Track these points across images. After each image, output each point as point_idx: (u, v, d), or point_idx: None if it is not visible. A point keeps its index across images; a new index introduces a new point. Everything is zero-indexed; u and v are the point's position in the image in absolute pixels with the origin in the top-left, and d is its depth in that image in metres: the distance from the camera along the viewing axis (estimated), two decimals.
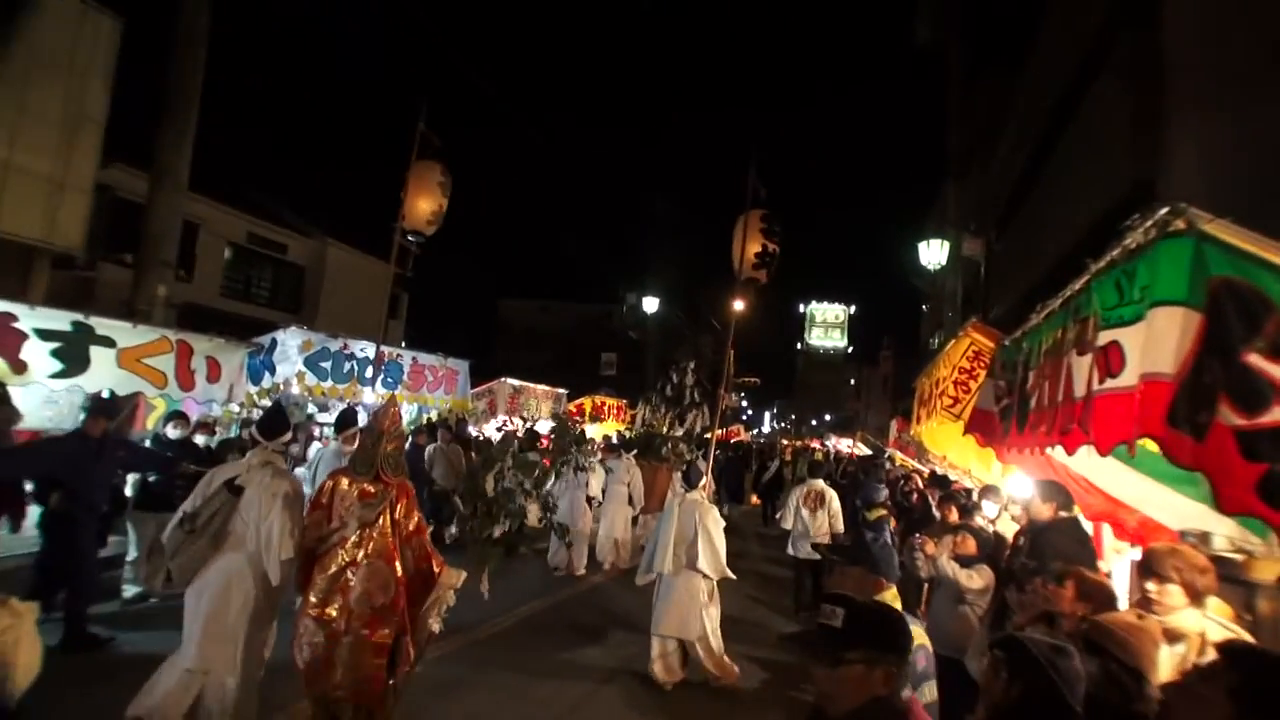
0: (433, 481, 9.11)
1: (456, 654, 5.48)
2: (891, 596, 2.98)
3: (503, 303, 42.40)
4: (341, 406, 9.57)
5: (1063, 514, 3.78)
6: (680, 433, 14.10)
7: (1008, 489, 6.13)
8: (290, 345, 8.00)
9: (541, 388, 14.40)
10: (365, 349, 9.09)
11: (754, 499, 18.00)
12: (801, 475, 9.17)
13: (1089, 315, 2.50)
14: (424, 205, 6.64)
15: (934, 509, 7.76)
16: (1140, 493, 3.18)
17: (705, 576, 5.33)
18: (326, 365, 8.53)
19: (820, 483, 8.37)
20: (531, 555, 9.10)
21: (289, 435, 4.29)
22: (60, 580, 5.06)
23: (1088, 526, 3.79)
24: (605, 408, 16.98)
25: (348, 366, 8.83)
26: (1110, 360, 2.27)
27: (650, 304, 26.08)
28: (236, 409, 7.37)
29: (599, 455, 10.29)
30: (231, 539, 3.62)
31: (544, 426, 13.58)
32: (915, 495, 9.20)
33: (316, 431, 9.65)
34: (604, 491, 9.65)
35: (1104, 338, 2.34)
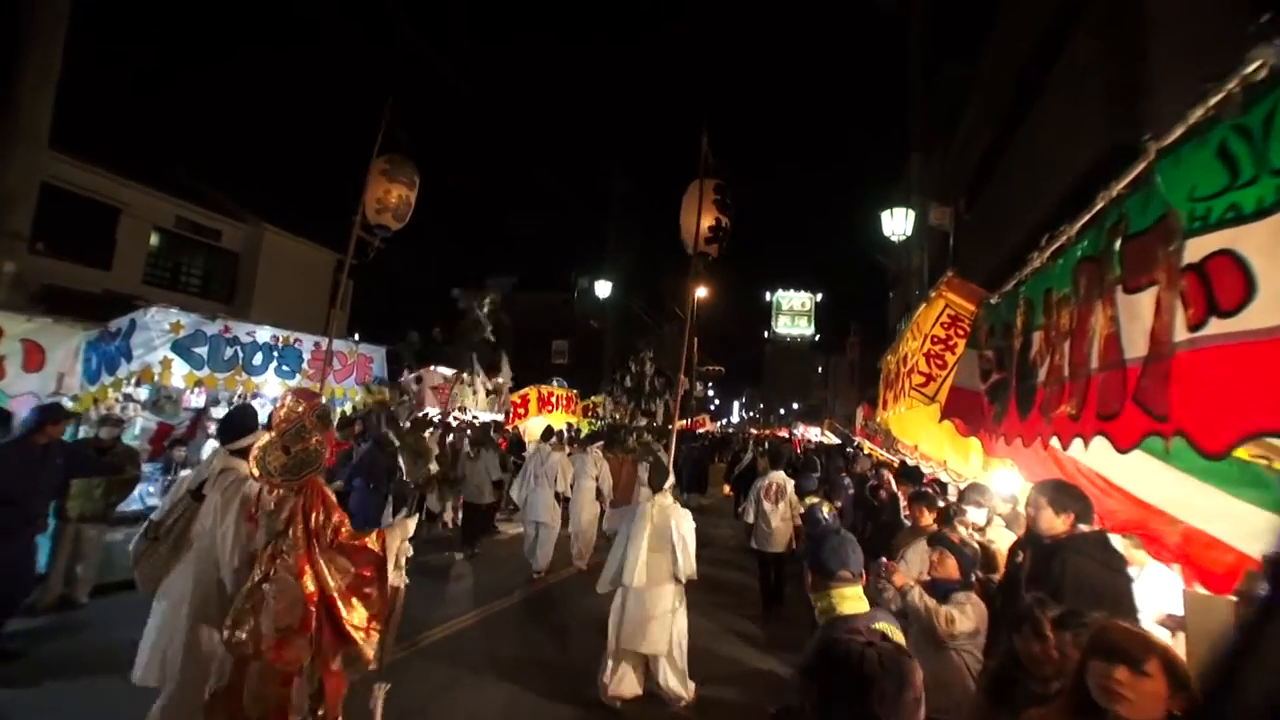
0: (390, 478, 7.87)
1: (409, 656, 5.32)
2: (846, 596, 2.24)
3: (456, 292, 41.10)
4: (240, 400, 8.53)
5: (1082, 527, 2.86)
6: (644, 423, 13.35)
7: (995, 487, 5.30)
8: (153, 328, 6.79)
9: (478, 377, 13.25)
10: (253, 332, 7.95)
11: (726, 489, 17.20)
12: (765, 470, 8.75)
13: (1160, 217, 1.52)
14: (386, 197, 6.31)
15: (903, 512, 6.89)
16: (1181, 495, 2.28)
17: (676, 583, 5.00)
18: (201, 350, 7.37)
19: (781, 474, 8.12)
20: (506, 550, 9.41)
21: (254, 437, 3.70)
22: None
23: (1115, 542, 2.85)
24: (554, 398, 15.88)
25: (230, 352, 7.69)
26: (1214, 285, 1.30)
27: (603, 288, 24.99)
28: (69, 402, 6.14)
29: (567, 450, 9.76)
30: (190, 547, 3.51)
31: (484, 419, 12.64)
32: (883, 493, 8.32)
33: (211, 428, 8.47)
34: (572, 486, 9.29)
35: (1197, 248, 1.36)
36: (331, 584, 3.28)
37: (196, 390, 7.88)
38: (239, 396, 8.53)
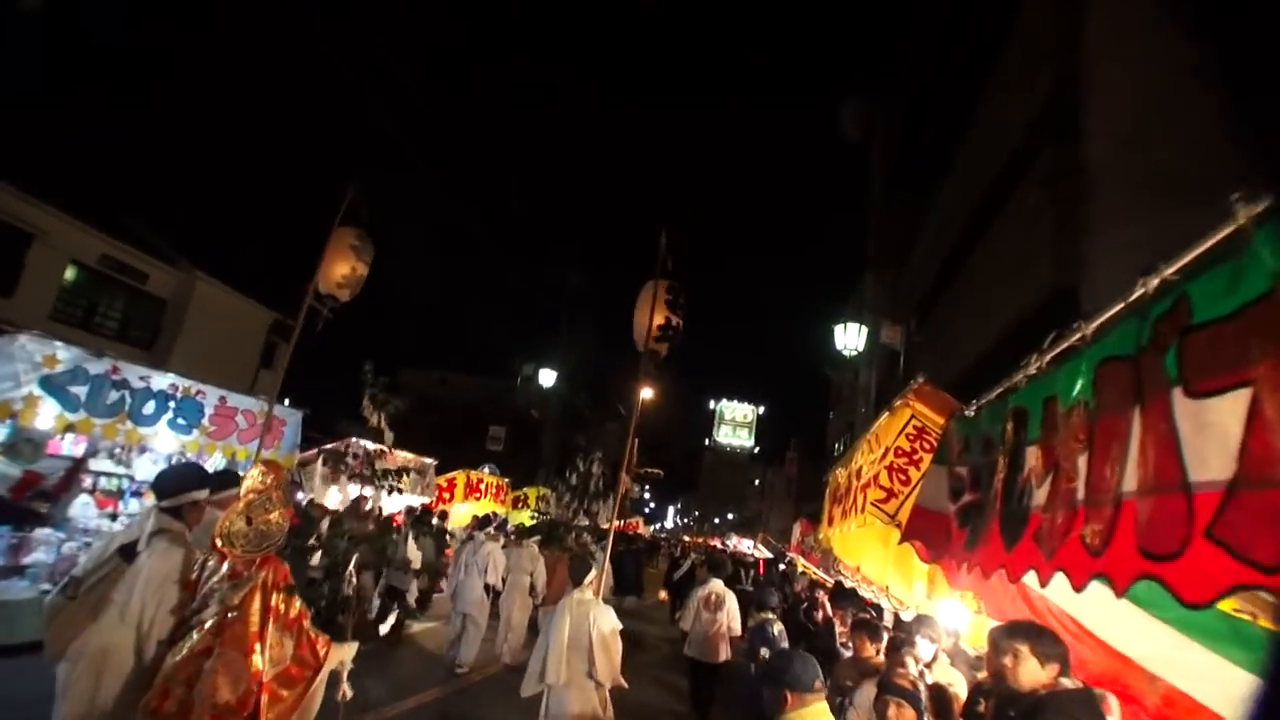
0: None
1: None
2: (820, 714, 2.49)
3: (403, 370, 40.23)
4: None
5: (1065, 682, 2.41)
6: (586, 524, 12.96)
7: (941, 619, 4.86)
8: (21, 358, 5.92)
9: (402, 454, 12.37)
10: (148, 377, 7.12)
11: (662, 595, 17.10)
12: (704, 579, 8.56)
13: (1260, 296, 1.16)
14: (342, 270, 6.36)
15: (839, 636, 6.36)
16: (1161, 650, 2.00)
17: (599, 686, 4.75)
18: (79, 391, 6.48)
19: (720, 584, 7.97)
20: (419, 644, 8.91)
21: (193, 496, 3.60)
22: None
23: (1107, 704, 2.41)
24: (483, 485, 15.01)
25: (115, 396, 6.79)
26: None
27: (548, 377, 24.48)
28: None
29: (500, 539, 9.54)
30: (111, 609, 3.18)
31: (405, 501, 11.68)
32: (819, 614, 7.77)
33: (88, 483, 7.45)
34: (504, 580, 8.97)
35: None
36: (270, 669, 3.14)
37: (68, 436, 6.93)
38: (121, 449, 7.61)
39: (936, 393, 3.83)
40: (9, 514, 6.13)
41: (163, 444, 7.63)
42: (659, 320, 6.30)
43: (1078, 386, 1.91)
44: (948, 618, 4.69)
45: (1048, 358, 2.25)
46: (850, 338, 12.25)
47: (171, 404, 7.42)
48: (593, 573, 5.20)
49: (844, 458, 5.93)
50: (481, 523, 10.19)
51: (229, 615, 3.11)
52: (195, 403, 7.66)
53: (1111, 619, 2.31)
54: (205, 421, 7.77)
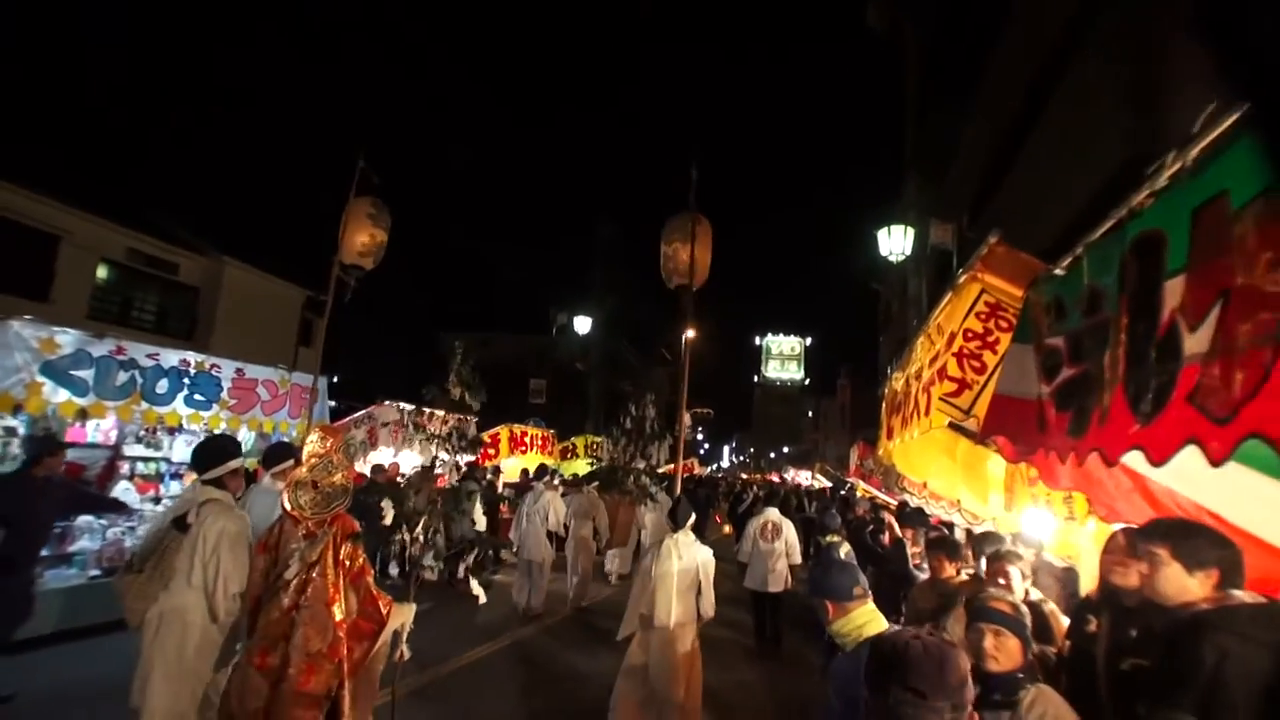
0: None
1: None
2: (867, 617, 2.44)
3: (442, 335, 40.45)
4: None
5: (1238, 595, 1.84)
6: (642, 466, 13.18)
7: (1025, 532, 4.30)
8: (17, 345, 5.66)
9: (438, 413, 12.13)
10: (156, 354, 6.84)
11: (727, 528, 17.62)
12: (760, 509, 8.76)
13: None
14: (361, 239, 6.55)
15: (911, 559, 5.83)
16: None
17: (697, 621, 4.86)
18: (85, 375, 6.21)
19: (775, 512, 8.08)
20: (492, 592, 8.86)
21: (231, 465, 3.91)
22: None
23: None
24: (528, 438, 14.76)
25: (124, 377, 6.52)
26: None
27: (583, 324, 24.02)
28: None
29: (559, 488, 9.87)
30: (178, 576, 3.52)
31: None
32: (885, 537, 7.21)
33: (125, 469, 7.29)
34: (567, 527, 9.37)
35: None
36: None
37: (91, 423, 6.73)
38: (147, 431, 7.41)
39: (1012, 255, 3.11)
40: (101, 504, 6.43)
41: (195, 424, 7.42)
42: (689, 254, 6.16)
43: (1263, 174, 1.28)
44: (1031, 529, 4.11)
45: (1194, 152, 1.60)
46: (895, 241, 11.24)
47: (186, 380, 7.16)
48: (694, 515, 5.25)
49: (900, 362, 5.29)
50: (539, 473, 10.60)
51: (311, 572, 3.31)
52: (211, 377, 7.39)
53: (1232, 497, 1.78)
54: (225, 395, 7.51)
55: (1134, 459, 1.92)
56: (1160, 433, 1.63)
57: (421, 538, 5.74)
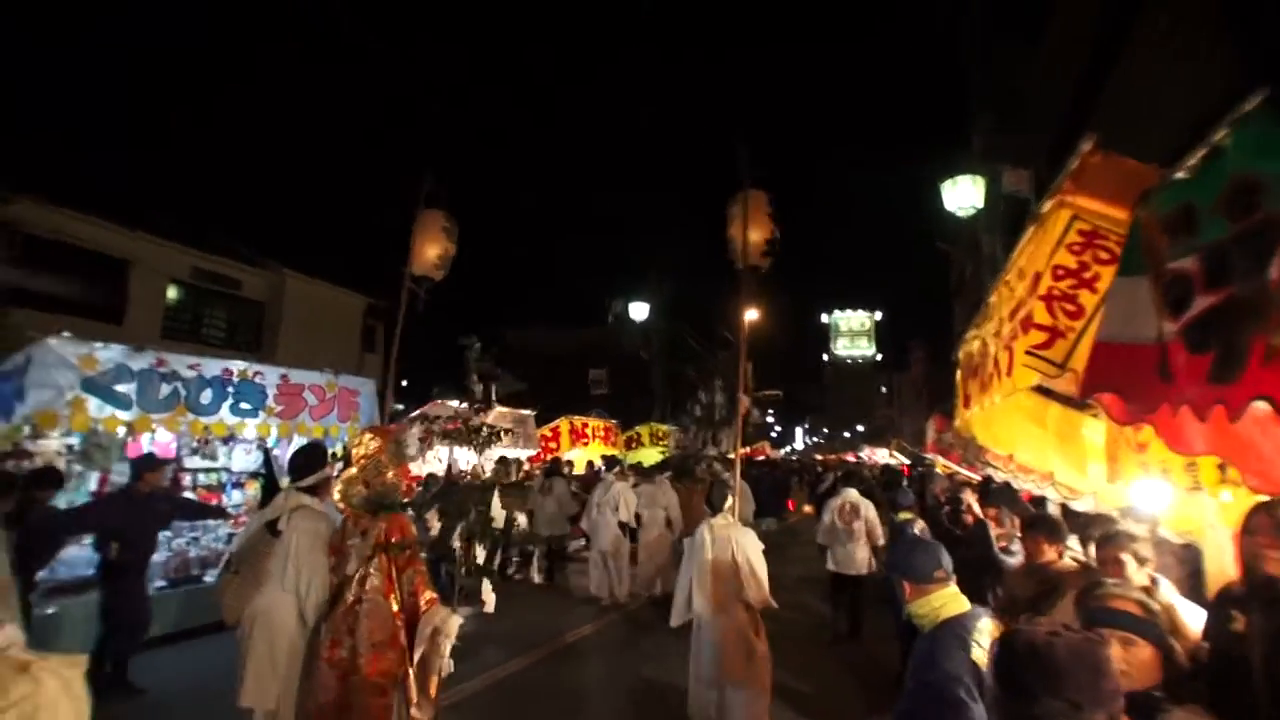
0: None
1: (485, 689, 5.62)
2: (947, 598, 2.34)
3: (508, 333, 40.89)
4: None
5: None
6: (713, 453, 13.17)
7: (1135, 506, 3.71)
8: (55, 364, 5.67)
9: (498, 409, 11.95)
10: (197, 365, 6.83)
11: (807, 508, 17.74)
12: (832, 486, 9.13)
13: None
14: (431, 251, 6.67)
15: (995, 543, 5.19)
16: None
17: (748, 608, 4.74)
18: (128, 389, 6.22)
19: (854, 493, 7.87)
20: (570, 584, 9.83)
21: (325, 473, 4.01)
22: (116, 627, 5.46)
23: None
24: (589, 429, 14.49)
25: (167, 389, 6.53)
26: None
27: (639, 310, 23.60)
28: None
29: (630, 478, 9.96)
30: (271, 579, 3.64)
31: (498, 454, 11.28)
32: (968, 517, 6.51)
33: (187, 480, 7.34)
34: (638, 517, 9.40)
35: None
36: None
37: (145, 436, 6.76)
38: (201, 443, 7.41)
39: (1113, 163, 2.40)
40: (206, 512, 6.88)
41: (249, 433, 7.50)
42: (756, 235, 6.19)
43: None
44: (1142, 502, 3.51)
45: None
46: (963, 194, 10.13)
47: (230, 389, 7.17)
48: (730, 500, 5.19)
49: (975, 320, 4.65)
50: (609, 464, 10.95)
51: (368, 566, 3.51)
52: (255, 385, 7.38)
53: None
54: (271, 402, 7.48)
55: None
56: None
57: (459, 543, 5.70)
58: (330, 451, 7.96)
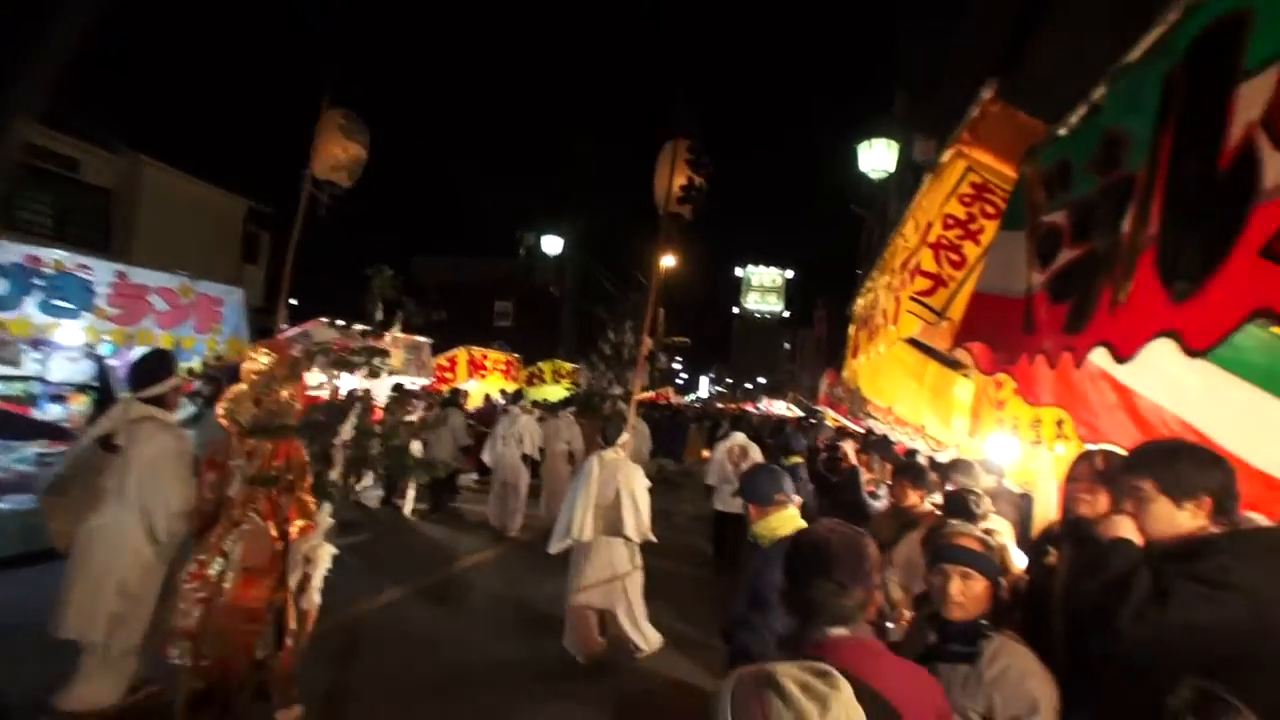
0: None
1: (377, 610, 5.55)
2: (785, 519, 2.52)
3: (416, 260, 39.09)
4: None
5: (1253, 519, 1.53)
6: (620, 392, 13.30)
7: (989, 457, 4.01)
8: None
9: (390, 334, 11.44)
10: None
11: (704, 452, 17.50)
12: (726, 432, 9.26)
13: None
14: (334, 152, 6.31)
15: (864, 488, 5.45)
16: None
17: (627, 540, 4.96)
18: None
19: (742, 436, 8.12)
20: (466, 513, 9.74)
21: (173, 382, 3.83)
22: None
23: None
24: (488, 361, 14.20)
25: None
26: None
27: (552, 245, 23.15)
28: None
29: (535, 412, 10.01)
30: (108, 496, 3.47)
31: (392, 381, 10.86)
32: (844, 461, 6.80)
33: None
34: (541, 451, 9.52)
35: None
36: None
37: None
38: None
39: (1009, 115, 2.42)
40: (30, 429, 6.04)
41: (70, 337, 6.42)
42: (680, 181, 6.26)
43: None
44: (994, 455, 3.86)
45: None
46: (877, 157, 10.44)
47: (38, 280, 6.06)
48: (624, 436, 5.28)
49: (871, 272, 4.79)
50: (513, 397, 11.00)
51: (254, 491, 3.35)
52: (76, 279, 6.30)
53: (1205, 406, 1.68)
54: (101, 304, 6.45)
55: (1128, 370, 1.53)
56: (1210, 308, 1.13)
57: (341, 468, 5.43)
58: (187, 366, 7.38)
